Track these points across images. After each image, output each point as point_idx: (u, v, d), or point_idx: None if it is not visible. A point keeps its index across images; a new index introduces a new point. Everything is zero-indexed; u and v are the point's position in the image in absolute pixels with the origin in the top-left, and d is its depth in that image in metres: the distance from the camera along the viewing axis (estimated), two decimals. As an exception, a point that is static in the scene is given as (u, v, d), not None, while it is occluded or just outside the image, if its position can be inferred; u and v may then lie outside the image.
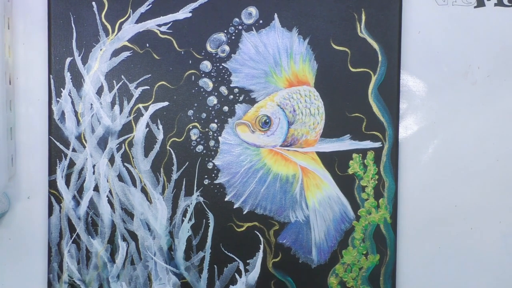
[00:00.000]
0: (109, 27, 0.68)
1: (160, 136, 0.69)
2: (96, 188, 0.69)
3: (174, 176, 0.69)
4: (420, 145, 0.71)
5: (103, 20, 0.68)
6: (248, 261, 0.70)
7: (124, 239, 0.69)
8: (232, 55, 0.68)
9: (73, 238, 0.69)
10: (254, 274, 0.70)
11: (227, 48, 0.68)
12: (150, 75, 0.68)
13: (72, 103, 0.68)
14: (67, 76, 0.68)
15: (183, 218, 0.69)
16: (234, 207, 0.69)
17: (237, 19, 0.68)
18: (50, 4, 0.67)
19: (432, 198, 0.71)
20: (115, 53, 0.68)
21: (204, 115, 0.69)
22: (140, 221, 0.69)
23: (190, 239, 0.69)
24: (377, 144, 0.69)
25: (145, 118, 0.68)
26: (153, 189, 0.69)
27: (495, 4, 0.70)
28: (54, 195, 0.68)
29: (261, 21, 0.68)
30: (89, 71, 0.68)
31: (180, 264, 0.70)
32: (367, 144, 0.69)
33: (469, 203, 0.72)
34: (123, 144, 0.69)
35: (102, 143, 0.68)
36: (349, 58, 0.69)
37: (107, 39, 0.68)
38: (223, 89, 0.69)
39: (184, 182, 0.69)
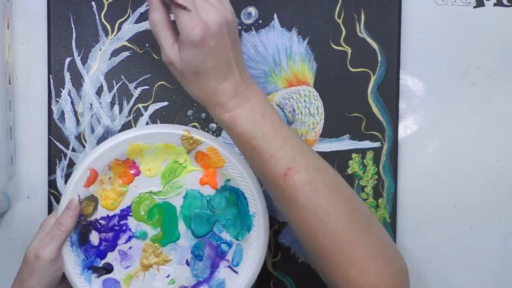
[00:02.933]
0: (108, 27, 0.68)
1: (159, 136, 0.69)
2: (95, 188, 0.69)
3: (174, 176, 0.69)
4: (419, 145, 0.71)
5: (103, 20, 0.68)
6: (247, 261, 0.70)
7: (123, 239, 0.69)
8: (232, 55, 0.68)
9: (72, 238, 0.69)
10: (254, 274, 0.70)
11: (226, 48, 0.68)
12: (149, 75, 0.68)
13: (72, 103, 0.68)
14: (67, 76, 0.68)
15: (183, 218, 0.69)
16: (234, 207, 0.69)
17: (236, 19, 0.68)
18: (50, 4, 0.67)
19: (431, 198, 0.71)
20: (115, 53, 0.68)
21: (203, 115, 0.69)
22: (140, 221, 0.69)
23: (190, 239, 0.69)
24: (377, 144, 0.69)
25: (145, 118, 0.69)
26: (152, 189, 0.69)
27: (495, 4, 0.70)
28: (54, 195, 0.68)
29: (260, 21, 0.68)
30: (89, 71, 0.68)
31: (180, 264, 0.70)
32: (366, 144, 0.69)
33: (468, 203, 0.71)
34: (122, 144, 0.69)
35: (101, 143, 0.68)
36: (349, 58, 0.69)
37: (106, 39, 0.68)
38: (223, 89, 0.69)
39: (183, 182, 0.69)
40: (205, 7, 0.53)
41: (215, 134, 0.69)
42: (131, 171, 0.65)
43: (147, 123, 0.68)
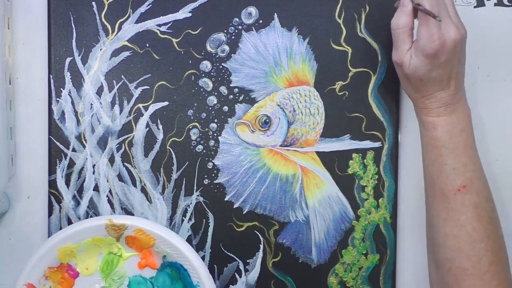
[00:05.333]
0: (109, 27, 0.68)
1: (160, 136, 0.69)
2: (96, 188, 0.69)
3: (174, 176, 0.69)
4: (419, 145, 0.71)
5: (103, 20, 0.68)
6: (248, 261, 0.70)
7: (124, 239, 0.69)
8: (232, 55, 0.68)
9: (73, 238, 0.69)
10: (254, 274, 0.70)
11: (227, 48, 0.68)
12: (150, 75, 0.68)
13: (72, 103, 0.68)
14: (67, 76, 0.68)
15: (183, 218, 0.69)
16: (234, 207, 0.69)
17: (237, 19, 0.68)
18: (50, 4, 0.67)
19: (432, 198, 0.71)
20: (115, 53, 0.68)
21: (204, 115, 0.69)
22: (140, 221, 0.69)
23: (190, 239, 0.69)
24: (377, 144, 0.69)
25: (145, 118, 0.68)
26: (153, 189, 0.69)
27: (495, 4, 0.70)
28: (54, 195, 0.68)
29: (261, 21, 0.68)
30: (89, 71, 0.68)
31: (180, 264, 0.70)
32: (367, 144, 0.69)
33: (469, 203, 0.71)
34: (123, 144, 0.69)
35: (102, 143, 0.68)
36: (349, 58, 0.69)
37: (107, 39, 0.68)
38: (223, 89, 0.69)
39: (184, 182, 0.69)
40: (447, 22, 0.57)
41: (215, 135, 0.69)
42: (69, 275, 0.65)
43: (147, 123, 0.68)
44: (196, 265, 0.64)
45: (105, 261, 0.66)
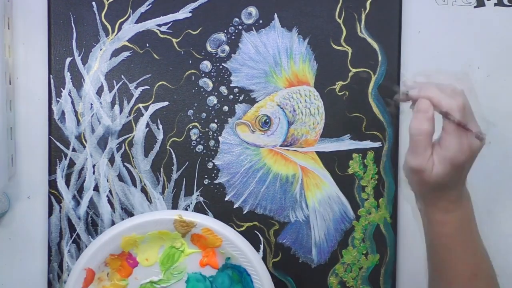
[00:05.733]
0: (109, 27, 0.68)
1: (160, 136, 0.69)
2: (96, 188, 0.69)
3: (174, 176, 0.69)
4: (420, 145, 0.71)
5: (103, 20, 0.68)
6: (248, 261, 0.70)
7: (124, 239, 0.69)
8: (232, 55, 0.68)
9: (73, 238, 0.69)
10: (254, 274, 0.70)
11: (227, 48, 0.68)
12: (150, 75, 0.68)
13: (72, 103, 0.68)
14: (67, 76, 0.68)
15: (183, 218, 0.69)
16: (234, 207, 0.69)
17: (237, 19, 0.68)
18: (50, 4, 0.67)
19: (432, 198, 0.71)
20: (115, 53, 0.68)
21: (204, 115, 0.69)
22: (140, 221, 0.69)
23: (190, 239, 0.69)
24: (377, 144, 0.69)
25: (145, 118, 0.68)
26: (153, 189, 0.69)
27: (495, 4, 0.70)
28: (54, 195, 0.68)
29: (261, 21, 0.68)
30: (89, 71, 0.68)
31: (180, 264, 0.70)
32: (367, 144, 0.69)
33: (469, 203, 0.71)
34: (123, 144, 0.69)
35: (102, 143, 0.68)
36: (349, 58, 0.69)
37: (107, 39, 0.68)
38: (223, 89, 0.69)
39: (184, 182, 0.69)
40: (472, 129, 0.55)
41: (215, 135, 0.69)
42: (128, 263, 0.65)
43: (147, 123, 0.68)
44: (261, 272, 0.64)
45: (166, 254, 0.66)
